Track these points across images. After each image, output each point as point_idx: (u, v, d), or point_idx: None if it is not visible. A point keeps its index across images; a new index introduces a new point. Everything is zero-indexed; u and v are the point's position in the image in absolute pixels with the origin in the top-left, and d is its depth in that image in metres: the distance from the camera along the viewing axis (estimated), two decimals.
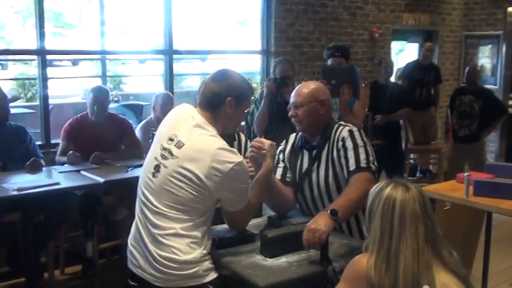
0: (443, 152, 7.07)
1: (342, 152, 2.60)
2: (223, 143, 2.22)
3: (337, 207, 2.32)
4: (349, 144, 2.59)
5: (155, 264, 2.19)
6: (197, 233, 2.20)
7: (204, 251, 2.21)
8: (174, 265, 2.16)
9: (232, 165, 2.16)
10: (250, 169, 2.40)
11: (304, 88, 2.74)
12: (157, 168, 2.24)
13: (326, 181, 2.67)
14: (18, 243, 3.91)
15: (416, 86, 6.99)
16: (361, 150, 2.56)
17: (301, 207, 2.82)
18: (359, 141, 2.59)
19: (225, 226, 2.47)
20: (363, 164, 2.53)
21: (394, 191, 1.86)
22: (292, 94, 2.77)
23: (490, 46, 8.11)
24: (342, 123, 2.77)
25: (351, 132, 2.64)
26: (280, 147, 2.86)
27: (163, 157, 2.23)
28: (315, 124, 2.70)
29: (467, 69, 6.45)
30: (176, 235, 2.17)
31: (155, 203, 2.21)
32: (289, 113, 2.75)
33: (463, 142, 6.14)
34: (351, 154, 2.56)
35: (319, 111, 2.69)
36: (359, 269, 1.85)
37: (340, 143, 2.62)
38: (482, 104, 5.98)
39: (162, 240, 2.18)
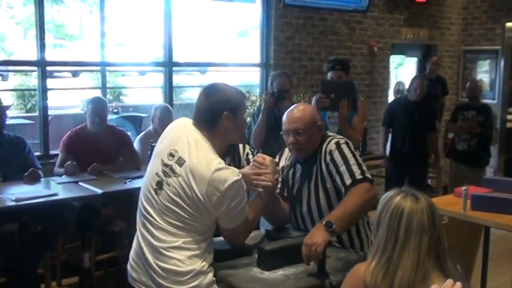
0: (441, 167, 7.07)
1: (331, 167, 2.56)
2: (220, 161, 2.22)
3: (333, 218, 2.32)
4: (337, 158, 2.55)
5: (156, 277, 2.19)
6: (199, 247, 2.21)
7: (205, 263, 2.21)
8: (175, 278, 2.16)
9: (229, 183, 2.16)
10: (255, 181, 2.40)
11: (303, 113, 2.64)
12: (159, 185, 2.24)
13: (316, 197, 2.65)
14: (15, 254, 3.90)
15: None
16: (352, 162, 2.52)
17: (292, 223, 2.80)
18: (347, 153, 2.55)
19: (222, 239, 2.47)
20: (358, 176, 2.48)
21: (403, 201, 1.85)
22: (289, 120, 2.65)
23: (488, 61, 8.13)
24: (331, 134, 2.74)
25: (338, 144, 2.59)
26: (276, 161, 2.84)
27: (166, 174, 2.23)
28: (313, 149, 2.66)
29: (468, 84, 6.42)
30: (178, 248, 2.18)
31: (158, 219, 2.22)
32: (288, 141, 2.64)
33: (461, 158, 6.08)
34: (343, 169, 2.52)
35: (318, 135, 2.66)
36: (357, 275, 1.86)
37: (328, 157, 2.58)
38: (483, 120, 5.95)
39: (164, 252, 2.18)
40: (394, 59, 8.50)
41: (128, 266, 2.36)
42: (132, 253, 2.36)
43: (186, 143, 2.25)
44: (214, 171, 2.16)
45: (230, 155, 2.76)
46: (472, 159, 6.00)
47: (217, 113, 2.27)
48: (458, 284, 1.22)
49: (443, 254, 1.84)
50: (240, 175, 2.24)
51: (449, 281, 1.24)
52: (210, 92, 2.33)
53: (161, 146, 2.35)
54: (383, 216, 1.88)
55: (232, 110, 2.30)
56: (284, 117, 2.70)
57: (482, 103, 6.26)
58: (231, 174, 2.19)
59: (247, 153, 2.86)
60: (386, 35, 7.31)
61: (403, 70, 10.22)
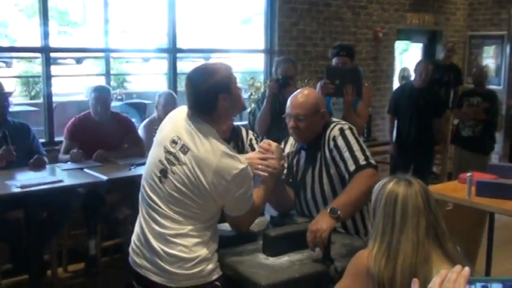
0: (446, 153, 7.04)
1: (335, 153, 2.57)
2: (225, 149, 2.19)
3: (338, 205, 2.33)
4: (341, 143, 2.55)
5: (160, 262, 2.19)
6: (204, 235, 2.21)
7: (209, 251, 2.21)
8: (180, 263, 2.16)
9: (236, 171, 2.15)
10: (260, 165, 2.39)
11: (306, 98, 2.65)
12: (164, 173, 2.21)
13: (320, 183, 2.65)
14: (21, 241, 3.92)
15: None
16: (356, 148, 2.53)
17: (296, 209, 2.81)
18: (351, 139, 2.56)
19: (228, 225, 2.47)
20: (362, 162, 2.49)
21: (397, 186, 1.87)
22: (292, 104, 2.66)
23: (494, 46, 8.08)
24: (335, 120, 2.74)
25: (341, 130, 2.60)
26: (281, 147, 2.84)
27: (170, 162, 2.20)
28: (314, 134, 2.66)
29: (474, 70, 6.38)
30: (185, 235, 2.18)
31: (163, 207, 2.20)
32: (289, 125, 2.66)
33: (466, 145, 6.05)
34: (347, 155, 2.52)
35: (320, 122, 2.66)
36: (360, 262, 1.87)
37: (332, 143, 2.58)
38: (488, 106, 5.91)
39: (170, 239, 2.18)
40: (399, 45, 8.44)
41: (130, 250, 2.35)
42: (134, 238, 2.34)
43: (188, 131, 2.22)
44: (220, 159, 2.14)
45: (233, 141, 2.75)
46: (477, 145, 5.97)
47: (213, 99, 2.21)
48: (467, 268, 1.23)
49: (442, 235, 1.86)
50: (246, 162, 2.23)
51: (458, 267, 1.25)
52: (198, 80, 2.24)
53: (162, 134, 2.32)
54: (378, 204, 1.90)
55: (226, 90, 2.23)
56: (288, 101, 2.71)
57: (487, 89, 6.22)
58: (237, 162, 2.18)
59: (251, 139, 2.85)
60: (392, 20, 7.26)
61: (408, 56, 10.16)
